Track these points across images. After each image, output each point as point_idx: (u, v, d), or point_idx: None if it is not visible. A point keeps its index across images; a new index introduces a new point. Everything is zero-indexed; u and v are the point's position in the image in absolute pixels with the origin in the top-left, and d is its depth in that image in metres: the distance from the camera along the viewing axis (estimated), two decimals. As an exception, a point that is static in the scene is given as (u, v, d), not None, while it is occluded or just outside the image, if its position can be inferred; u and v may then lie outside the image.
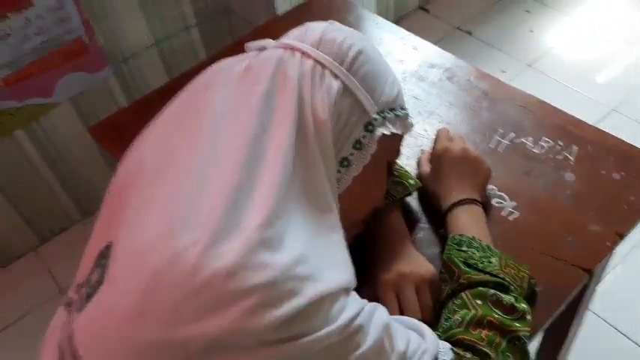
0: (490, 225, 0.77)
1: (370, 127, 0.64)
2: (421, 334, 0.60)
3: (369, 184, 0.68)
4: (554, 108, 0.93)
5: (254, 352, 0.51)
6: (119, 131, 1.00)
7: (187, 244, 0.52)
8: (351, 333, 0.54)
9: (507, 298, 0.64)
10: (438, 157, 0.80)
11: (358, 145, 0.64)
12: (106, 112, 1.12)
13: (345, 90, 0.62)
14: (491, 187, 0.84)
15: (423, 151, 0.87)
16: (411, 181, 0.81)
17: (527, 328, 0.64)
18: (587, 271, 0.74)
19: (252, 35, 1.12)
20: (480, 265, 0.67)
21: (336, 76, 0.62)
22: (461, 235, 0.71)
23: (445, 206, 0.77)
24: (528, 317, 0.65)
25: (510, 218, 0.80)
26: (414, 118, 0.93)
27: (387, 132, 0.64)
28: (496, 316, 0.63)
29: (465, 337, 0.62)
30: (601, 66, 2.14)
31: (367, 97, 0.63)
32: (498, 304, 0.64)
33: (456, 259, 0.69)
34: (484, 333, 0.62)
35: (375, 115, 0.64)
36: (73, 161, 1.78)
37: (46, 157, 1.71)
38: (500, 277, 0.66)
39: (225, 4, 1.84)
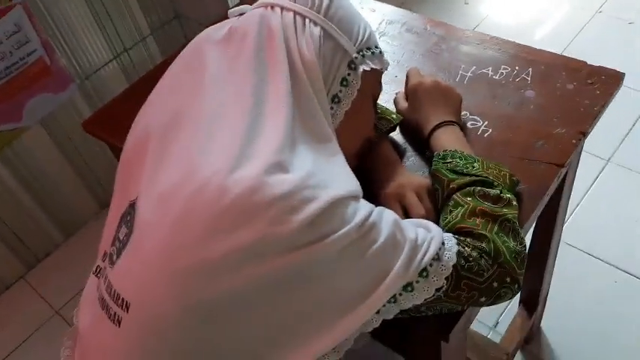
0: (469, 142, 0.86)
1: (353, 65, 0.71)
2: (426, 229, 0.68)
3: (359, 117, 0.76)
4: (506, 40, 1.03)
5: (286, 256, 0.57)
6: (112, 121, 1.05)
7: (210, 174, 0.59)
8: (367, 229, 0.61)
9: (493, 191, 0.73)
10: (413, 91, 0.89)
11: (345, 82, 0.71)
12: (77, 129, 1.14)
13: (326, 34, 0.69)
14: (464, 113, 0.92)
15: (398, 93, 0.95)
16: (394, 116, 0.89)
17: (514, 211, 0.72)
18: (560, 166, 0.83)
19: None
20: (465, 170, 0.75)
21: (315, 24, 0.69)
22: (444, 150, 0.79)
23: (427, 131, 0.85)
24: (514, 203, 0.73)
25: (485, 135, 0.89)
26: (384, 68, 1.02)
27: (367, 68, 0.72)
28: (486, 205, 0.71)
29: (463, 225, 0.70)
30: (535, 25, 2.29)
31: (346, 39, 0.71)
32: (486, 196, 0.72)
33: (442, 170, 0.77)
34: (478, 220, 0.70)
35: (355, 55, 0.71)
36: (50, 183, 1.79)
37: (22, 182, 1.72)
38: (483, 176, 0.74)
39: (175, 10, 1.90)
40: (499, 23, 2.33)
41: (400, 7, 1.16)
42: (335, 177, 0.63)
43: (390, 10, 1.14)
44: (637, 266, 1.58)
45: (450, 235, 0.69)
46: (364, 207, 0.63)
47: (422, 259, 0.63)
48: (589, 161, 1.81)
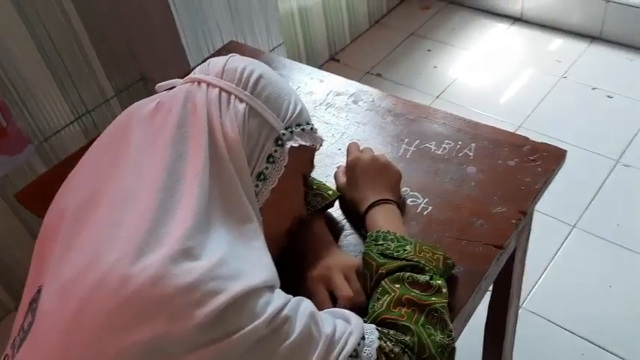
0: (408, 221, 0.83)
1: (280, 142, 0.69)
2: (346, 320, 0.64)
3: (287, 195, 0.73)
4: (452, 114, 1.03)
5: (186, 357, 0.52)
6: (45, 193, 1.01)
7: (112, 262, 0.55)
8: (279, 324, 0.57)
9: (422, 278, 0.70)
10: (351, 167, 0.87)
11: (271, 159, 0.69)
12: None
13: (251, 111, 0.68)
14: (404, 189, 0.90)
15: (339, 167, 0.93)
16: (330, 192, 0.87)
17: (443, 300, 0.69)
18: (498, 247, 0.81)
19: None
20: (396, 254, 0.73)
21: (241, 100, 0.68)
22: (377, 232, 0.77)
23: (362, 209, 0.82)
24: (444, 290, 0.70)
25: (425, 213, 0.87)
26: (327, 141, 1.00)
27: (295, 144, 0.70)
28: (413, 294, 0.68)
29: (387, 315, 0.66)
30: (501, 89, 2.33)
31: (273, 115, 0.69)
32: (415, 284, 0.69)
33: (372, 254, 0.74)
34: (404, 310, 0.67)
35: (282, 131, 0.70)
36: (3, 248, 1.73)
37: (-28, 246, 1.66)
38: (414, 261, 0.72)
39: (141, 72, 1.90)
40: (466, 87, 2.36)
41: (368, 73, 1.15)
42: (250, 264, 0.60)
43: (338, 81, 1.14)
44: (604, 337, 1.53)
45: (373, 327, 0.65)
46: (278, 298, 0.59)
47: (338, 356, 0.59)
48: (555, 226, 1.79)
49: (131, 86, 1.89)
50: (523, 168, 0.91)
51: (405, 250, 0.73)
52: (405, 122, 1.03)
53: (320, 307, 0.65)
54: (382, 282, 0.71)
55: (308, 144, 0.73)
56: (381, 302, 0.68)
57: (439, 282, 0.70)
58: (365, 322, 0.66)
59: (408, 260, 0.72)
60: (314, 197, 0.85)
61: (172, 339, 0.52)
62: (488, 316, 1.21)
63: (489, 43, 2.56)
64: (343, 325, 0.63)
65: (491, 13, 2.69)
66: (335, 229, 0.86)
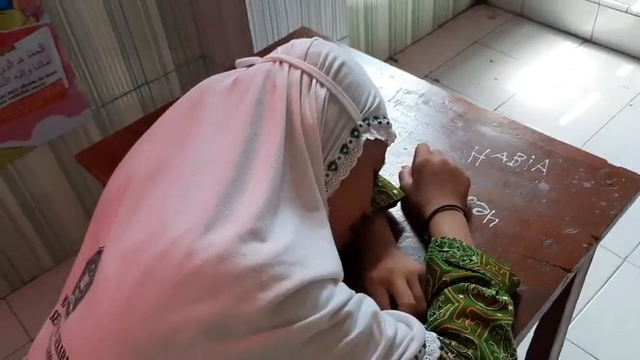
0: (472, 231, 0.80)
1: (356, 133, 0.67)
2: (409, 325, 0.62)
3: (357, 189, 0.71)
4: (526, 127, 0.99)
5: (247, 340, 0.51)
6: (104, 156, 1.01)
7: (179, 234, 0.54)
8: (341, 320, 0.55)
9: (488, 292, 0.67)
10: (419, 169, 0.84)
11: (345, 149, 0.66)
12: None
13: (332, 97, 0.65)
14: (471, 198, 0.87)
15: (404, 167, 0.90)
16: (395, 191, 0.84)
17: (509, 318, 0.66)
18: (567, 270, 0.77)
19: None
20: (461, 263, 0.70)
21: (322, 85, 0.65)
22: (443, 238, 0.74)
23: (428, 213, 0.79)
24: (510, 308, 0.67)
25: (490, 225, 0.83)
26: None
27: (371, 137, 0.68)
28: (478, 307, 0.65)
29: (450, 325, 0.64)
30: (562, 110, 2.25)
31: (352, 104, 0.67)
32: (480, 296, 0.66)
33: (437, 260, 0.71)
34: (467, 322, 0.64)
35: (360, 122, 0.67)
36: (48, 206, 1.76)
37: (20, 201, 1.68)
38: (480, 273, 0.68)
39: (202, 50, 1.90)
40: (526, 103, 2.30)
41: (426, 77, 1.12)
42: (316, 253, 0.58)
43: (409, 79, 1.11)
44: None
45: (434, 336, 0.62)
46: (342, 292, 0.57)
47: None
48: (605, 257, 1.73)
49: (191, 63, 1.90)
50: (599, 191, 0.86)
51: (472, 260, 0.70)
52: (476, 129, 0.99)
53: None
54: (445, 290, 0.68)
55: (383, 138, 0.70)
56: (443, 311, 0.65)
57: (505, 298, 0.67)
58: (426, 328, 0.63)
59: (473, 271, 0.69)
60: (378, 194, 0.83)
61: (237, 319, 0.51)
62: (532, 343, 1.16)
63: (554, 60, 2.48)
64: (405, 330, 0.60)
65: (560, 30, 2.61)
66: (394, 230, 0.83)
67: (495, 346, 0.63)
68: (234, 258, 0.52)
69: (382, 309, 0.67)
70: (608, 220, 0.82)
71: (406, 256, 0.77)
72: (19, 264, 1.77)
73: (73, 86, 1.63)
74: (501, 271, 0.71)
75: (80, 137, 1.73)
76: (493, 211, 0.85)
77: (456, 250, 0.72)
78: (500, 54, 2.54)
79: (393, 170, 0.92)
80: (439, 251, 0.72)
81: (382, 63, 1.16)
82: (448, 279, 0.68)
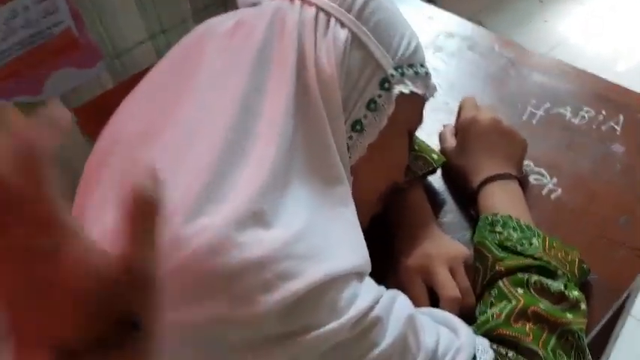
0: (529, 205, 0.66)
1: (386, 85, 0.54)
2: (453, 330, 0.51)
3: (387, 154, 0.58)
4: (594, 75, 0.83)
5: (247, 352, 0.41)
6: (104, 113, 0.90)
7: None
8: (367, 327, 0.44)
9: (555, 285, 0.54)
10: (465, 128, 0.70)
11: (373, 105, 0.54)
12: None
13: (355, 40, 0.52)
14: (527, 163, 0.73)
15: (445, 125, 0.76)
16: (435, 156, 0.71)
17: (581, 320, 0.54)
18: (649, 255, 0.63)
19: None
20: (519, 248, 0.57)
21: (343, 25, 0.52)
22: (495, 215, 0.61)
23: (475, 183, 0.66)
24: (583, 307, 0.54)
25: (552, 197, 0.70)
26: (434, 92, 0.83)
27: (406, 90, 0.55)
28: (542, 306, 0.53)
29: (506, 331, 0.52)
30: (620, 55, 2.05)
31: (381, 49, 0.53)
32: (544, 291, 0.54)
33: (488, 243, 0.58)
34: (528, 326, 0.52)
35: (391, 71, 0.54)
36: (65, 163, 1.68)
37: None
38: (544, 261, 0.56)
39: (223, -5, 1.76)
40: (579, 47, 2.10)
41: (469, 20, 0.96)
42: (336, 241, 0.47)
43: (451, 20, 0.95)
44: None
45: (487, 344, 0.50)
46: (368, 291, 0.46)
47: None
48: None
49: (210, 6, 1.76)
50: (688, 155, 0.71)
51: (532, 244, 0.57)
52: (532, 79, 0.84)
53: (414, 306, 0.51)
54: (499, 282, 0.56)
55: (420, 92, 0.57)
56: (497, 310, 0.53)
57: (576, 294, 0.54)
58: (474, 332, 0.51)
59: (535, 258, 0.56)
60: (414, 161, 0.69)
61: (231, 327, 0.41)
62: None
63: (610, 1, 2.25)
64: (449, 338, 0.48)
65: (619, -34, 2.36)
66: (434, 203, 0.70)
67: (565, 358, 0.50)
68: (231, 249, 0.41)
69: (419, 306, 0.55)
70: (700, 191, 0.67)
71: (448, 238, 0.64)
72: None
73: (83, 36, 1.52)
74: (569, 258, 0.58)
75: (94, 90, 1.63)
76: (555, 180, 0.71)
77: (512, 231, 0.59)
78: (551, -7, 2.32)
79: (431, 130, 0.78)
80: (490, 232, 0.59)
81: (418, 1, 1.00)
82: (503, 268, 0.56)
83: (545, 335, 0.51)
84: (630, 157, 0.72)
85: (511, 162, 0.68)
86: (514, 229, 0.59)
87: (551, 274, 0.55)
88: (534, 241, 0.58)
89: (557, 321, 0.52)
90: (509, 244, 0.58)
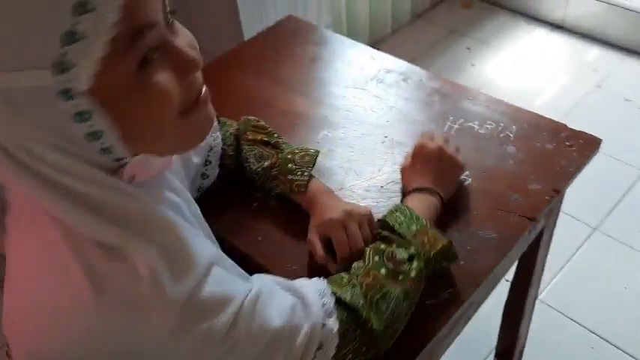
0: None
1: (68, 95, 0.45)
2: (305, 304, 0.64)
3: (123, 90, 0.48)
4: (495, 99, 1.09)
5: None
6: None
7: None
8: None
9: (401, 255, 0.73)
10: (415, 152, 0.90)
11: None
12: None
13: None
14: (446, 161, 0.97)
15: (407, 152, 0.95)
16: (311, 151, 0.90)
17: (406, 286, 0.71)
18: (532, 219, 0.87)
19: (217, 62, 1.26)
20: (396, 227, 0.76)
21: None
22: (398, 204, 0.82)
23: (407, 190, 0.88)
24: (412, 275, 0.72)
25: (465, 184, 0.94)
26: (377, 113, 1.08)
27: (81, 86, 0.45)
28: (382, 271, 0.71)
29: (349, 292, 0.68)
30: (537, 92, 2.37)
31: None
32: (391, 258, 0.72)
33: (384, 218, 0.79)
34: (365, 282, 0.70)
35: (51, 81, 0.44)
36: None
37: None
38: (406, 240, 0.75)
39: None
40: (502, 87, 2.41)
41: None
42: None
43: (388, 59, 1.21)
44: (615, 334, 1.59)
45: (332, 306, 0.66)
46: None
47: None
48: (576, 227, 1.85)
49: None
50: (560, 152, 0.97)
51: (409, 227, 0.76)
52: (450, 102, 1.10)
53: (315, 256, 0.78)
54: (368, 246, 0.76)
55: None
56: (355, 265, 0.74)
57: (414, 265, 0.72)
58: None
59: (400, 236, 0.76)
60: (302, 160, 0.89)
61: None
62: (508, 298, 1.28)
63: (528, 46, 2.61)
64: (302, 315, 0.62)
65: (533, 18, 2.73)
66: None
67: (378, 309, 0.68)
68: None
69: (341, 246, 0.78)
70: (567, 175, 0.93)
71: (347, 202, 0.85)
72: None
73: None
74: (435, 244, 0.75)
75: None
76: (467, 172, 0.95)
77: (400, 215, 0.78)
78: (477, 42, 2.66)
79: (376, 140, 1.02)
80: (390, 212, 0.79)
81: (364, 46, 1.26)
82: (378, 236, 0.77)
83: (371, 293, 0.69)
84: (519, 154, 0.98)
85: (440, 181, 0.86)
86: (404, 215, 0.78)
87: (407, 249, 0.73)
88: (412, 227, 0.76)
89: (383, 286, 0.70)
90: (392, 222, 0.77)
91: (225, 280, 0.57)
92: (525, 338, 1.43)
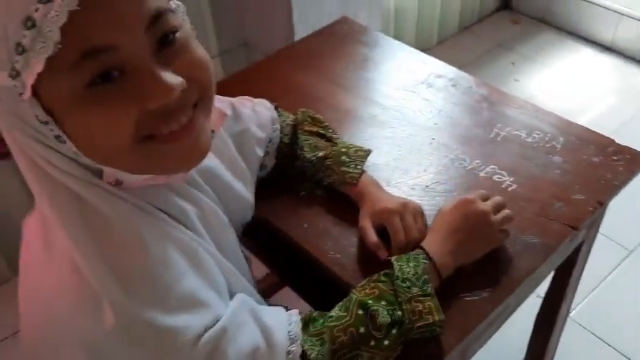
0: (493, 194, 0.90)
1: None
2: (269, 342, 0.62)
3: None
4: (545, 110, 1.11)
5: None
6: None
7: None
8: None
9: (383, 319, 0.68)
10: (459, 203, 0.83)
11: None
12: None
13: None
14: (492, 167, 0.99)
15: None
16: (365, 148, 0.94)
17: (377, 352, 0.68)
18: (574, 228, 0.89)
19: (274, 57, 1.30)
20: (397, 283, 0.72)
21: None
22: (424, 256, 0.76)
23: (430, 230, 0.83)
24: (385, 343, 0.68)
25: (509, 190, 0.96)
26: (425, 116, 1.10)
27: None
28: (361, 330, 0.68)
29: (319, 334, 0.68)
30: (580, 113, 2.36)
31: None
32: (372, 318, 0.68)
33: (395, 263, 0.74)
34: (342, 339, 0.67)
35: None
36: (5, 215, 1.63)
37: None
38: (397, 302, 0.71)
39: (244, 38, 2.03)
40: (545, 105, 2.34)
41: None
42: None
43: (439, 65, 1.24)
44: (645, 359, 1.57)
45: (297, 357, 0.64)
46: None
47: None
48: (612, 248, 1.83)
49: (234, 49, 2.03)
50: (606, 165, 0.98)
51: (409, 289, 0.72)
52: (498, 110, 1.11)
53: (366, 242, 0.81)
54: (353, 295, 0.72)
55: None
56: (335, 312, 0.71)
57: (391, 335, 0.69)
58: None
59: (394, 294, 0.71)
60: (355, 153, 0.93)
61: None
62: (540, 310, 1.28)
63: (574, 65, 2.59)
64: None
65: (580, 37, 2.72)
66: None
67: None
68: None
69: (398, 235, 0.80)
70: (612, 189, 0.94)
71: (397, 196, 0.89)
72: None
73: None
74: (426, 316, 0.71)
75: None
76: (512, 178, 0.97)
77: (411, 270, 0.73)
78: (521, 57, 2.65)
79: (424, 140, 1.05)
80: (404, 260, 0.75)
81: (416, 50, 1.29)
82: (371, 284, 0.73)
83: (340, 352, 0.67)
84: (565, 165, 0.99)
85: (464, 247, 0.79)
86: (415, 272, 0.73)
87: (393, 312, 0.69)
88: (414, 289, 0.71)
89: (356, 347, 0.67)
90: (397, 272, 0.72)
91: (193, 304, 0.56)
92: (554, 353, 1.43)
